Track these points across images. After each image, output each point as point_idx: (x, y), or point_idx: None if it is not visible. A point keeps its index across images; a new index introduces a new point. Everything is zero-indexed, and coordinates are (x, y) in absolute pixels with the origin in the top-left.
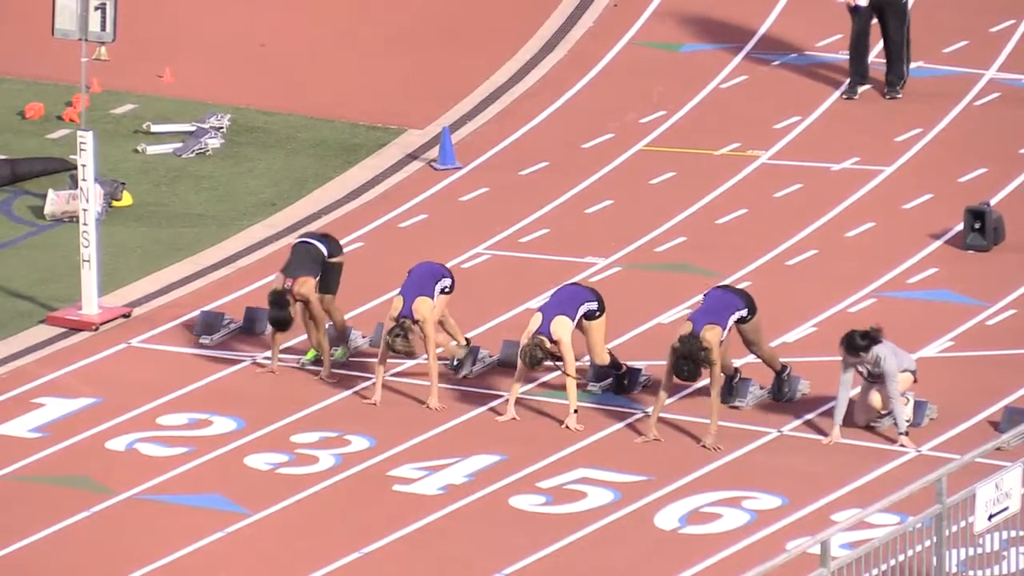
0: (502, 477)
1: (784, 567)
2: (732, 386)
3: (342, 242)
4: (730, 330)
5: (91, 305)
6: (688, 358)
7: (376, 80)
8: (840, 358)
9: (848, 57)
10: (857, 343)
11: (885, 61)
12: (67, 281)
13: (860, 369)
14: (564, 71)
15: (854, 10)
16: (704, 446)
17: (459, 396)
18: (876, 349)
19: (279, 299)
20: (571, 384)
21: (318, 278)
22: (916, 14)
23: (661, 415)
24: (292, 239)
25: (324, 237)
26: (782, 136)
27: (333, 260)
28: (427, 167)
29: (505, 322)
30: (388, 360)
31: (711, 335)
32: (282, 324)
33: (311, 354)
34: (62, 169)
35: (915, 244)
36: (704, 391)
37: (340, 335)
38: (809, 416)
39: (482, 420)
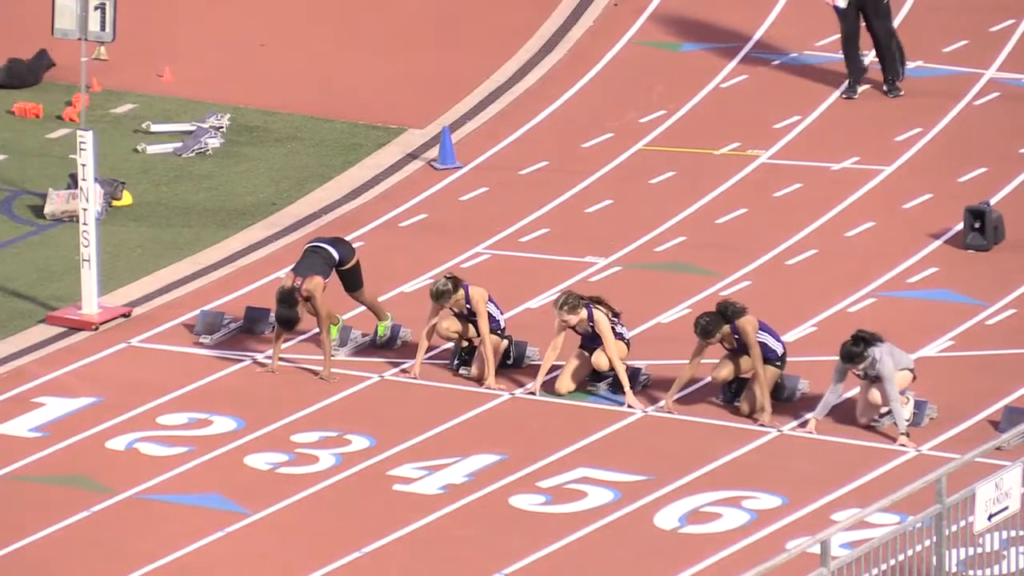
0: (502, 477)
1: (784, 567)
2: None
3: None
4: None
5: (91, 305)
6: (719, 312)
7: (376, 80)
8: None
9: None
10: (853, 351)
11: (879, 60)
12: (67, 281)
13: (857, 372)
14: (564, 71)
15: (837, 11)
16: (761, 424)
17: (459, 396)
18: (872, 351)
19: (287, 297)
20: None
21: (328, 279)
22: (916, 14)
23: (674, 409)
24: (292, 239)
25: (335, 242)
26: (782, 136)
27: (346, 267)
28: (427, 167)
29: (506, 321)
30: (433, 337)
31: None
32: (288, 322)
33: (381, 328)
34: None
35: (915, 244)
36: (707, 394)
37: (379, 314)
38: (809, 415)
39: (482, 420)
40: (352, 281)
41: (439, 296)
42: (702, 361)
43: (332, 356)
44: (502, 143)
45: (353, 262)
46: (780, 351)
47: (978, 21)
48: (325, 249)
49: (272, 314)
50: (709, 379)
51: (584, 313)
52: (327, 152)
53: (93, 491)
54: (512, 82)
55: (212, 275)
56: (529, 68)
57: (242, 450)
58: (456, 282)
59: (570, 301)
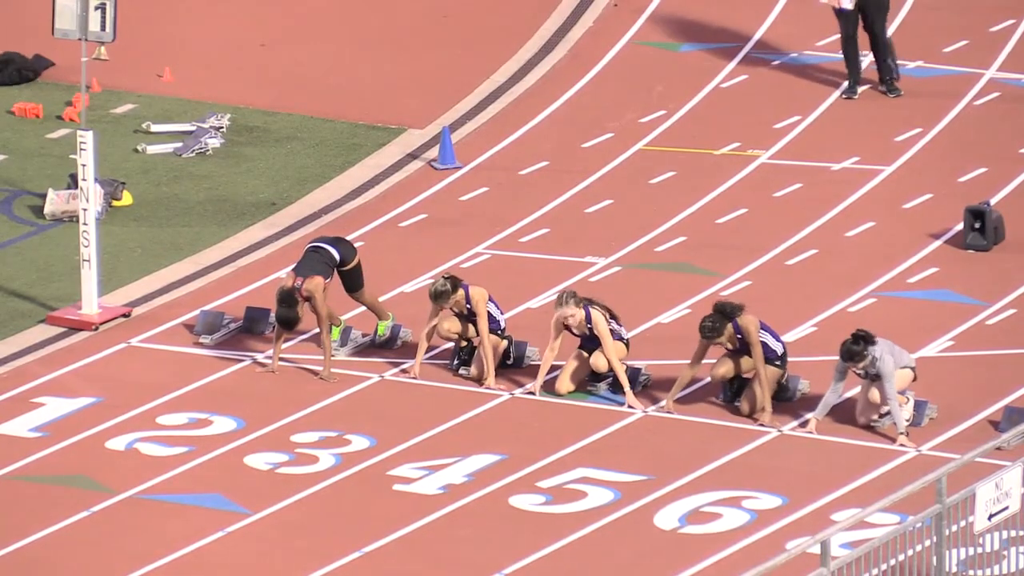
0: (502, 477)
1: (784, 567)
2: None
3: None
4: None
5: (91, 305)
6: (719, 311)
7: (376, 80)
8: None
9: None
10: (853, 350)
11: (875, 61)
12: (67, 281)
13: (857, 371)
14: (564, 71)
15: (839, 12)
16: (761, 424)
17: (459, 396)
18: (872, 349)
19: (287, 297)
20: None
21: (329, 280)
22: (916, 14)
23: (674, 409)
24: (292, 239)
25: (336, 242)
26: (782, 136)
27: (347, 268)
28: (427, 167)
29: (506, 321)
30: (435, 337)
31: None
32: (288, 323)
33: (381, 328)
34: None
35: (915, 244)
36: (707, 393)
37: (379, 313)
38: (809, 415)
39: (482, 420)
40: (353, 281)
41: (438, 297)
42: (703, 362)
43: (332, 356)
44: (502, 143)
45: (354, 262)
46: (780, 351)
47: (978, 21)
48: (326, 249)
49: (272, 314)
50: (709, 379)
51: (582, 313)
52: (327, 152)
53: (93, 491)
54: (512, 82)
55: (212, 275)
56: (529, 68)
57: (242, 450)
58: (455, 282)
59: (573, 296)
